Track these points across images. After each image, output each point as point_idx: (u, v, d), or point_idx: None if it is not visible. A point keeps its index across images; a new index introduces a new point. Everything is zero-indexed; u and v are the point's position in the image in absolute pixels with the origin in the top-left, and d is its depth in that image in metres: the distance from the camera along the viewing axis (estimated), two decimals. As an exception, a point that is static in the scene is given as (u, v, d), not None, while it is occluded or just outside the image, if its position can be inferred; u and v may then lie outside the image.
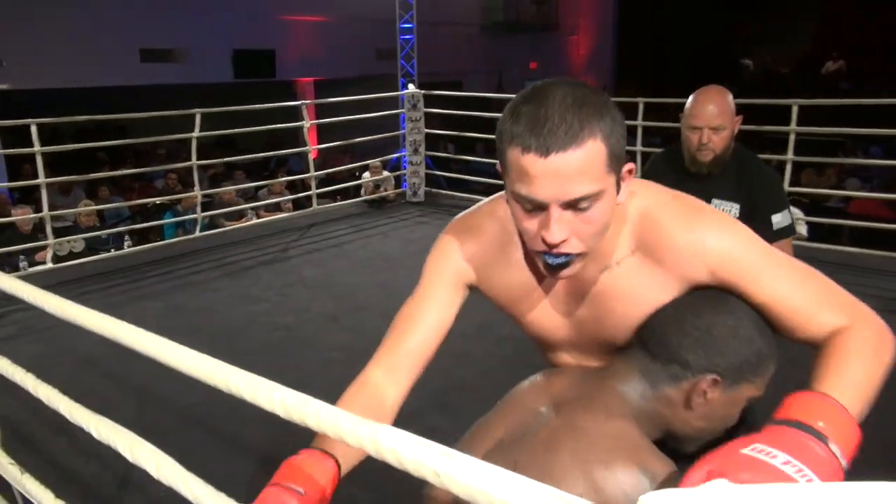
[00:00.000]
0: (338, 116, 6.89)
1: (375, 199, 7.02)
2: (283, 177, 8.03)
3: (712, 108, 1.95)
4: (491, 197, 1.12)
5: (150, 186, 9.00)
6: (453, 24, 14.16)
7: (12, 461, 1.21)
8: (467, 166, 8.68)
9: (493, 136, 0.94)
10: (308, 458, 0.89)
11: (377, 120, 6.92)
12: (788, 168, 5.05)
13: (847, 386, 0.83)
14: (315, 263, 5.22)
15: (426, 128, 6.97)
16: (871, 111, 6.71)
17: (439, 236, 1.13)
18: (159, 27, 10.14)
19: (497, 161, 0.94)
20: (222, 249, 5.56)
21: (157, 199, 7.03)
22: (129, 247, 5.61)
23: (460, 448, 1.07)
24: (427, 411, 2.60)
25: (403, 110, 7.01)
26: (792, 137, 4.99)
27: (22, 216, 5.29)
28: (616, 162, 0.88)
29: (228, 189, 6.81)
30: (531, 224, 0.90)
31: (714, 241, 0.94)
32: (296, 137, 7.37)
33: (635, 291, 0.99)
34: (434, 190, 7.21)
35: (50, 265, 4.94)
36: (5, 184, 7.43)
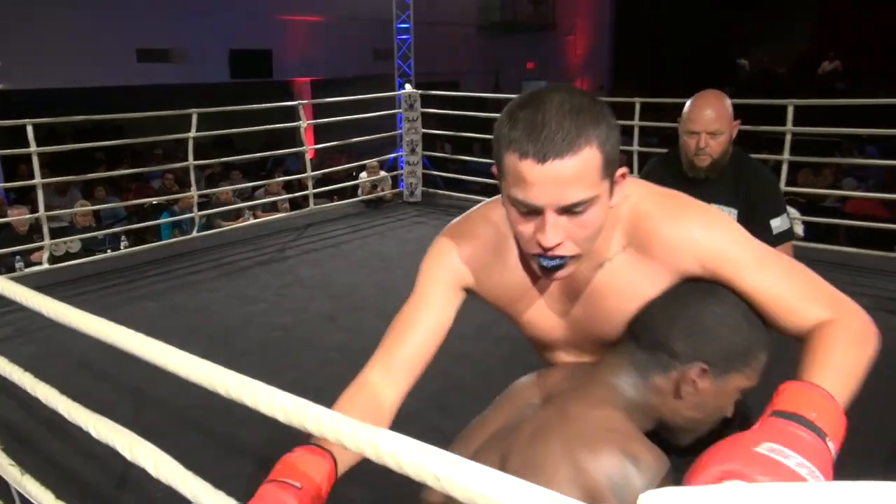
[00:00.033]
0: (335, 116, 6.89)
1: (372, 199, 7.02)
2: (280, 177, 8.02)
3: (710, 112, 1.96)
4: (482, 203, 1.14)
5: (146, 187, 8.99)
6: (450, 24, 14.16)
7: (12, 462, 1.21)
8: (464, 166, 8.69)
9: (491, 137, 0.95)
10: (304, 455, 0.90)
11: (374, 120, 6.92)
12: (785, 168, 5.06)
13: (837, 378, 0.85)
14: (312, 263, 5.21)
15: (423, 128, 6.97)
16: (867, 111, 6.73)
17: (434, 241, 1.14)
18: (156, 27, 10.13)
19: (493, 163, 0.95)
20: (219, 250, 5.55)
21: (154, 200, 7.03)
22: (125, 247, 5.60)
23: (458, 443, 1.08)
24: (426, 412, 2.60)
25: (400, 110, 7.01)
26: (788, 137, 5.00)
27: (18, 217, 5.28)
28: (610, 167, 0.89)
29: (225, 189, 6.80)
30: (527, 227, 0.91)
31: (701, 233, 0.96)
32: (293, 137, 7.37)
33: (628, 286, 1.00)
34: (431, 190, 7.21)
35: (46, 266, 4.93)
36: (1, 184, 7.42)
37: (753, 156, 2.21)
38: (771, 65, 15.37)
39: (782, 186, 4.84)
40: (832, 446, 0.76)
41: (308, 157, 6.60)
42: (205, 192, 6.37)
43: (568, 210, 0.88)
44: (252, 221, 6.44)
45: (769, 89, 11.47)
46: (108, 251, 5.49)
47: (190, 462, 0.90)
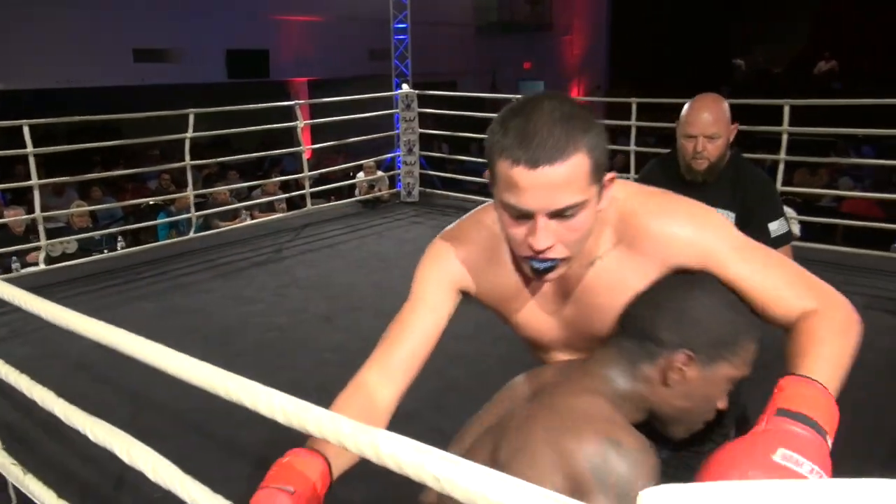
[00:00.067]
0: (332, 116, 6.88)
1: (370, 199, 7.01)
2: (277, 177, 8.01)
3: (707, 116, 1.96)
4: (476, 208, 1.17)
5: (143, 187, 8.97)
6: (447, 24, 14.16)
7: (14, 461, 1.21)
8: (461, 166, 8.68)
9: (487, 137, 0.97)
10: (296, 458, 0.90)
11: (371, 120, 6.91)
12: (781, 168, 5.07)
13: (829, 370, 0.88)
14: (309, 264, 5.21)
15: (420, 128, 6.97)
16: (863, 111, 6.75)
17: (429, 245, 1.16)
18: (153, 27, 10.11)
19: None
20: (216, 250, 5.54)
21: (151, 200, 7.01)
22: (122, 248, 5.59)
23: (455, 443, 1.10)
24: (425, 412, 2.60)
25: (397, 110, 7.01)
26: (784, 137, 5.01)
27: (14, 217, 5.26)
28: (599, 173, 0.93)
29: (222, 189, 6.79)
30: (518, 231, 0.94)
31: (687, 227, 1.00)
32: (290, 137, 7.36)
33: (619, 282, 1.03)
34: (428, 190, 7.21)
35: (43, 266, 4.92)
36: (-3, 185, 7.38)
37: (750, 155, 2.21)
38: (767, 65, 15.38)
39: (778, 186, 4.86)
40: (829, 442, 0.80)
41: (305, 157, 6.60)
42: (201, 192, 6.36)
43: (558, 214, 0.90)
44: (249, 222, 6.43)
45: (766, 89, 11.49)
46: (105, 252, 5.48)
47: (190, 464, 0.90)
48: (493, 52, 15.54)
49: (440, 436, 1.01)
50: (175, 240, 5.87)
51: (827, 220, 5.52)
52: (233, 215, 6.61)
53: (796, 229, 5.14)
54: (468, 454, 1.04)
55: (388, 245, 5.64)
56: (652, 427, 1.02)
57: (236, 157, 7.45)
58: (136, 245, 5.68)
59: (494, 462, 0.96)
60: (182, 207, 6.17)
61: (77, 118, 5.16)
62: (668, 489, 0.47)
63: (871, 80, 11.92)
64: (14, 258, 5.05)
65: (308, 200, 6.55)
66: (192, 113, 5.38)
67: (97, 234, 5.90)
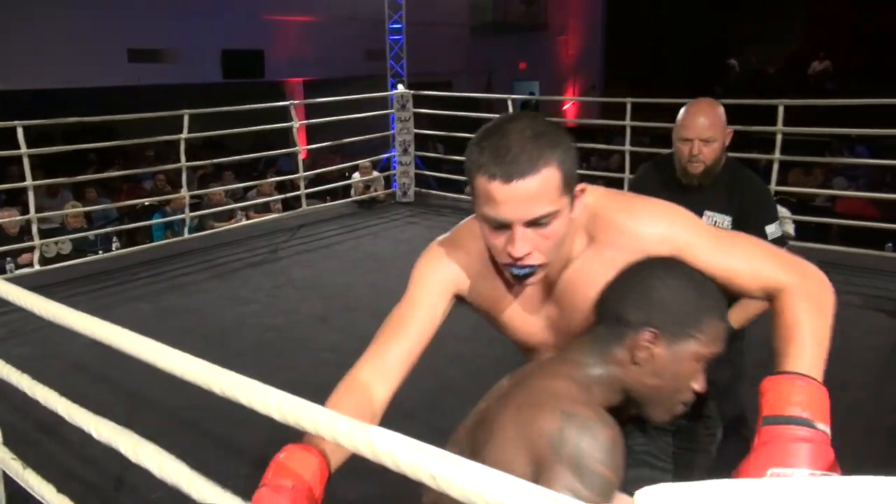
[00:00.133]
0: (327, 117, 6.88)
1: (365, 200, 7.01)
2: (272, 177, 8.00)
3: (703, 120, 1.97)
4: (469, 217, 1.21)
5: (138, 188, 8.93)
6: (442, 24, 14.14)
7: (14, 456, 1.21)
8: (457, 166, 8.68)
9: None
10: (292, 454, 0.92)
11: (367, 120, 6.91)
12: (775, 167, 5.08)
13: (812, 351, 0.95)
14: (305, 264, 5.20)
15: (415, 128, 6.97)
16: (858, 111, 6.77)
17: (426, 249, 1.21)
18: (148, 27, 10.07)
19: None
20: (211, 251, 5.53)
21: (146, 201, 6.99)
22: (117, 248, 5.57)
23: (455, 435, 1.12)
24: (421, 412, 2.60)
25: (393, 111, 7.01)
26: (779, 137, 5.03)
27: (8, 218, 5.24)
28: (569, 184, 1.00)
29: (217, 190, 6.78)
30: (498, 240, 1.01)
31: (654, 220, 1.07)
32: (285, 138, 7.35)
33: (595, 276, 1.08)
34: (424, 190, 7.21)
35: (37, 267, 4.90)
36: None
37: (744, 155, 2.22)
38: (761, 65, 15.40)
39: (773, 186, 4.88)
40: (825, 428, 0.86)
41: (300, 157, 6.59)
42: (197, 192, 6.35)
43: (534, 223, 0.98)
44: (244, 222, 6.42)
45: (760, 90, 11.50)
46: (100, 252, 5.46)
47: (188, 463, 0.90)
48: (488, 53, 15.54)
49: (436, 435, 1.01)
50: (170, 240, 5.86)
51: (821, 220, 5.54)
52: (228, 216, 6.60)
53: (791, 229, 5.16)
54: (452, 444, 1.10)
55: (383, 245, 5.64)
56: (628, 411, 1.07)
57: (232, 157, 7.43)
58: (132, 246, 5.67)
59: (472, 441, 1.03)
60: (177, 208, 6.16)
61: (71, 119, 5.14)
62: (666, 488, 0.48)
63: (866, 79, 11.96)
64: (8, 259, 5.03)
65: (303, 201, 6.54)
66: (186, 114, 5.37)
67: (92, 233, 5.88)
